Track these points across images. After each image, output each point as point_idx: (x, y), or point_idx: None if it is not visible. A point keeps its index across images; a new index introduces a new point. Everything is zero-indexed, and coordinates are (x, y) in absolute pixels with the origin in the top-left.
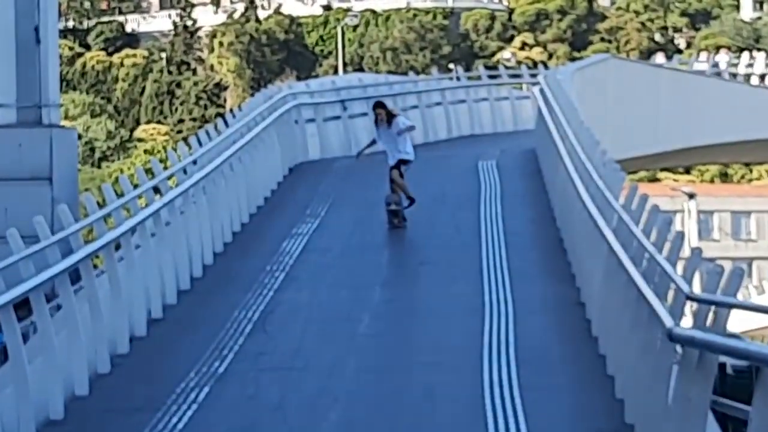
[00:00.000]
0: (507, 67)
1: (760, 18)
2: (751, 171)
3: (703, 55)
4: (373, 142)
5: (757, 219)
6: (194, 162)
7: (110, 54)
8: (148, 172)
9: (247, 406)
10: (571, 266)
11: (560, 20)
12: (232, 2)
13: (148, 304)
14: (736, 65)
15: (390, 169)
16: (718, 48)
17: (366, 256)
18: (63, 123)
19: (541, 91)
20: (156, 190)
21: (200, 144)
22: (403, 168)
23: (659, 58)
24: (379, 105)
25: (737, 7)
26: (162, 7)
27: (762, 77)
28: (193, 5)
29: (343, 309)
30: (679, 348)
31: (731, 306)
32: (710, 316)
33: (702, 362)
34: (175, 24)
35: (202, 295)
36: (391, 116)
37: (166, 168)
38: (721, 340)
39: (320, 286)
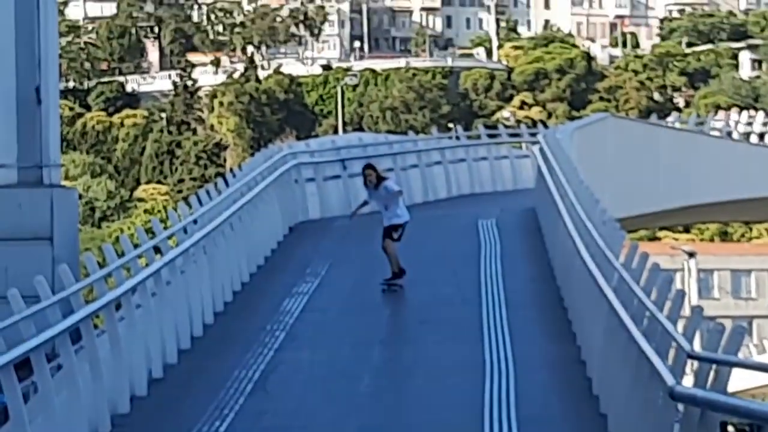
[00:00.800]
0: (506, 126)
1: (758, 77)
2: (750, 229)
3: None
4: (365, 203)
5: (757, 277)
6: (195, 221)
7: (110, 114)
8: (149, 231)
9: None
10: (571, 324)
11: (559, 80)
12: (231, 63)
13: (148, 363)
14: (750, 124)
15: (382, 237)
16: (717, 107)
17: (366, 315)
18: (63, 183)
19: (541, 150)
20: (156, 249)
21: (200, 203)
22: (395, 234)
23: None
24: (368, 166)
25: (736, 66)
26: (162, 68)
27: (761, 136)
28: (193, 65)
29: (344, 368)
30: (680, 406)
31: (732, 364)
32: (711, 374)
33: (704, 421)
34: (175, 84)
35: (203, 355)
36: (380, 179)
37: (166, 228)
38: (723, 399)
39: (321, 345)
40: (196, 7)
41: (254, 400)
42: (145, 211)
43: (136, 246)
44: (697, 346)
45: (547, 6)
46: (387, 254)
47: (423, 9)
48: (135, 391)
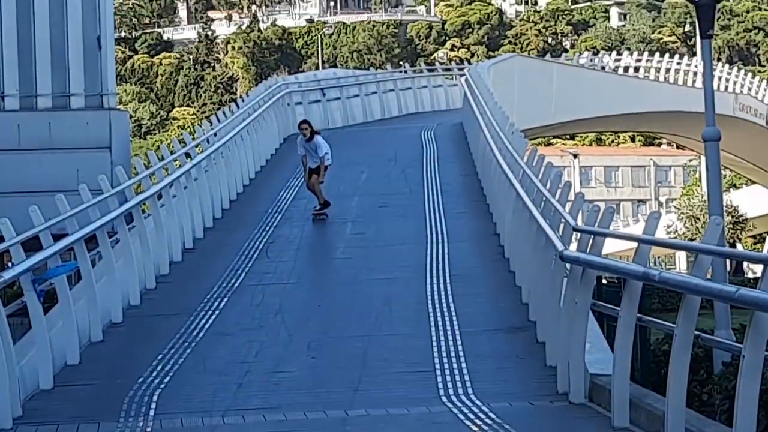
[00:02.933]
0: (441, 63)
1: (624, 26)
2: (618, 137)
3: (586, 54)
4: (304, 157)
5: (623, 171)
6: (215, 134)
7: (151, 56)
8: (181, 142)
9: (255, 311)
10: (489, 207)
11: (479, 29)
12: (240, 18)
13: (182, 238)
14: (618, 61)
15: (308, 176)
16: (594, 49)
17: (340, 201)
18: (118, 107)
19: (466, 80)
20: (187, 155)
21: (219, 121)
22: (319, 175)
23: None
24: (305, 122)
25: (608, 18)
26: (189, 22)
27: (626, 69)
28: (212, 20)
29: (324, 240)
30: (568, 266)
31: (605, 235)
32: (590, 242)
33: (584, 276)
34: (198, 34)
35: (222, 231)
36: (313, 133)
37: (194, 139)
38: (598, 260)
39: (307, 223)
40: None
41: (259, 263)
42: (178, 126)
43: (171, 152)
44: (579, 221)
45: None
46: (314, 190)
47: None
48: (173, 258)
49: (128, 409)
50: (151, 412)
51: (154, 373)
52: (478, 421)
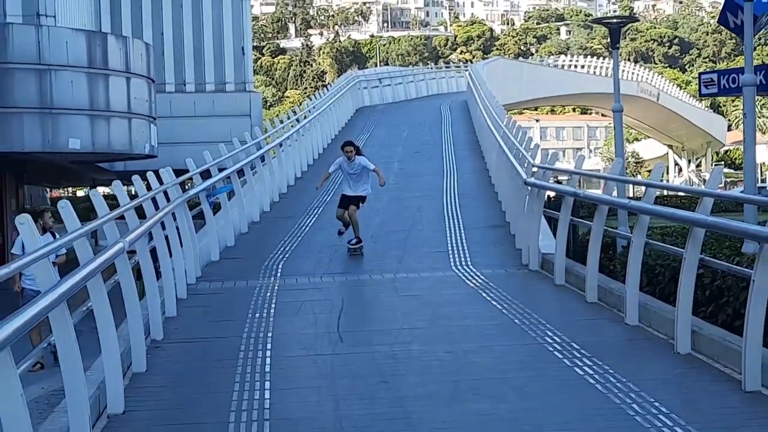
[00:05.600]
0: (453, 63)
1: (569, 38)
2: (564, 109)
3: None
4: (329, 176)
5: (567, 131)
6: (304, 115)
7: (273, 57)
8: (294, 113)
9: (335, 221)
10: (482, 152)
11: (478, 40)
12: (328, 32)
13: (287, 179)
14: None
15: (344, 205)
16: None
17: (390, 150)
18: (254, 90)
19: (469, 74)
20: (297, 120)
21: (316, 98)
22: (362, 204)
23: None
24: (350, 143)
25: (559, 33)
26: (296, 36)
27: (569, 66)
28: (310, 35)
29: (391, 165)
30: (529, 188)
31: (552, 170)
32: (542, 174)
33: (539, 194)
34: (302, 44)
35: (318, 167)
36: (358, 154)
37: (301, 110)
38: (546, 184)
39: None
40: (314, 6)
41: (336, 196)
42: (290, 102)
43: (288, 118)
44: (537, 161)
45: (472, 5)
46: (352, 221)
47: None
48: (289, 183)
49: (264, 272)
50: (278, 274)
51: (279, 252)
52: (473, 281)
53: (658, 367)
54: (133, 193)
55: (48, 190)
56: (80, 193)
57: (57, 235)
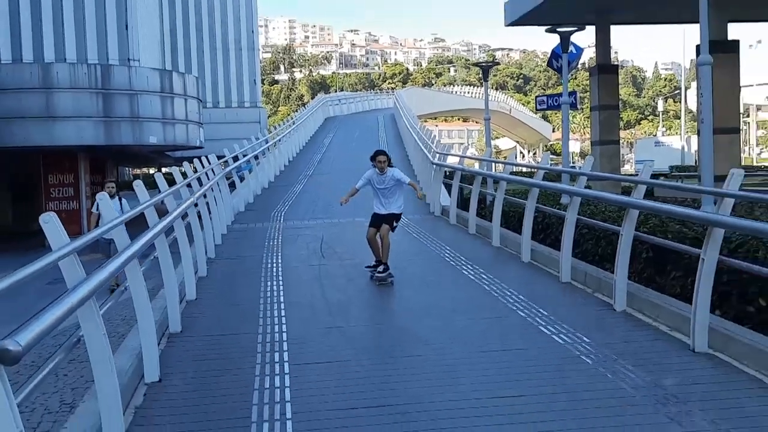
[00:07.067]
0: (385, 90)
1: (456, 73)
2: (453, 118)
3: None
4: (357, 191)
5: (456, 132)
6: (294, 122)
7: (270, 85)
8: (287, 121)
9: (322, 180)
10: (404, 145)
11: (399, 76)
12: (302, 71)
13: (284, 162)
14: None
15: (376, 224)
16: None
17: (348, 141)
18: (261, 106)
19: (395, 96)
20: (291, 124)
21: (299, 112)
22: (396, 223)
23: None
24: (382, 153)
25: (449, 71)
26: (284, 72)
27: (456, 92)
28: (294, 71)
29: (349, 142)
30: (435, 167)
31: (445, 155)
32: (441, 159)
33: (439, 170)
34: (288, 77)
35: (304, 154)
36: (390, 165)
37: (288, 121)
38: (444, 164)
39: (340, 154)
40: (296, 53)
41: (319, 167)
42: (282, 115)
43: (275, 128)
44: (437, 149)
45: (395, 54)
46: (383, 245)
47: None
48: (286, 164)
49: (273, 217)
50: (281, 218)
51: (281, 206)
52: (404, 220)
53: (510, 268)
54: (189, 172)
55: (129, 169)
56: (151, 171)
57: (123, 200)
